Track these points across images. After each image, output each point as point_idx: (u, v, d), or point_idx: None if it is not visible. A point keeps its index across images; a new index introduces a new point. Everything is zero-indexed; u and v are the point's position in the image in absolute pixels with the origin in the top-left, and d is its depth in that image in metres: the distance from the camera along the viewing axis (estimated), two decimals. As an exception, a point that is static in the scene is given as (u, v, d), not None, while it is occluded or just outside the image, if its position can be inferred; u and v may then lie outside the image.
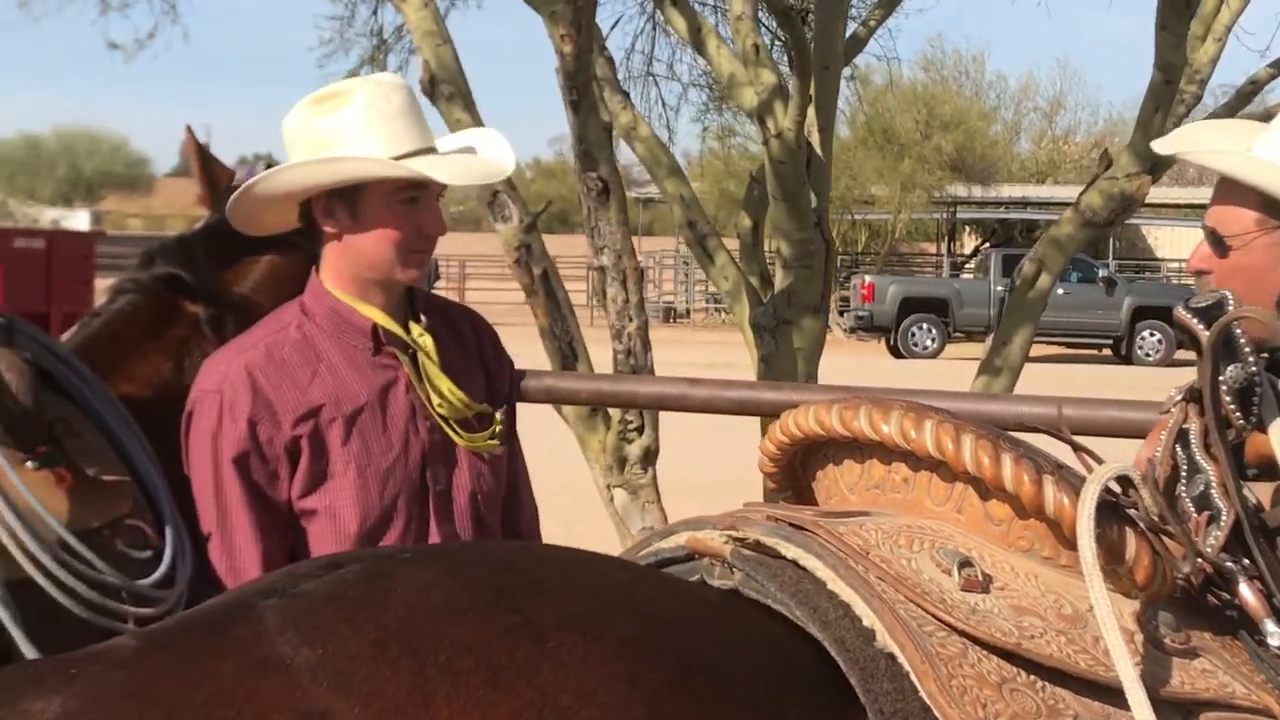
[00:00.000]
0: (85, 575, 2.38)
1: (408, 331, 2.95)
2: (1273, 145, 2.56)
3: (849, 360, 31.24)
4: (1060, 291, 34.80)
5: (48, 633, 2.29)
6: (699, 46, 6.82)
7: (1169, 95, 6.28)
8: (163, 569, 2.56)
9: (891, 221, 42.44)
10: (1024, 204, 47.48)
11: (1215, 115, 6.75)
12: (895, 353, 34.46)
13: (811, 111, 6.13)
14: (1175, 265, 46.66)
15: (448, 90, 5.62)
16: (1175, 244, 45.18)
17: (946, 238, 47.88)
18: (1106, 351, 33.03)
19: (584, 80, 5.41)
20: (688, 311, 43.09)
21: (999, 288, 34.62)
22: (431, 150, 2.95)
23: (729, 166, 32.36)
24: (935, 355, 34.24)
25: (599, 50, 6.46)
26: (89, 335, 3.11)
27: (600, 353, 5.87)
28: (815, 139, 6.30)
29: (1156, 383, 26.23)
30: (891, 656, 1.77)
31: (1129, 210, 6.53)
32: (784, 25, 6.37)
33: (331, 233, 2.91)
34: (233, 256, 3.28)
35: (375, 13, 9.85)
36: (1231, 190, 2.54)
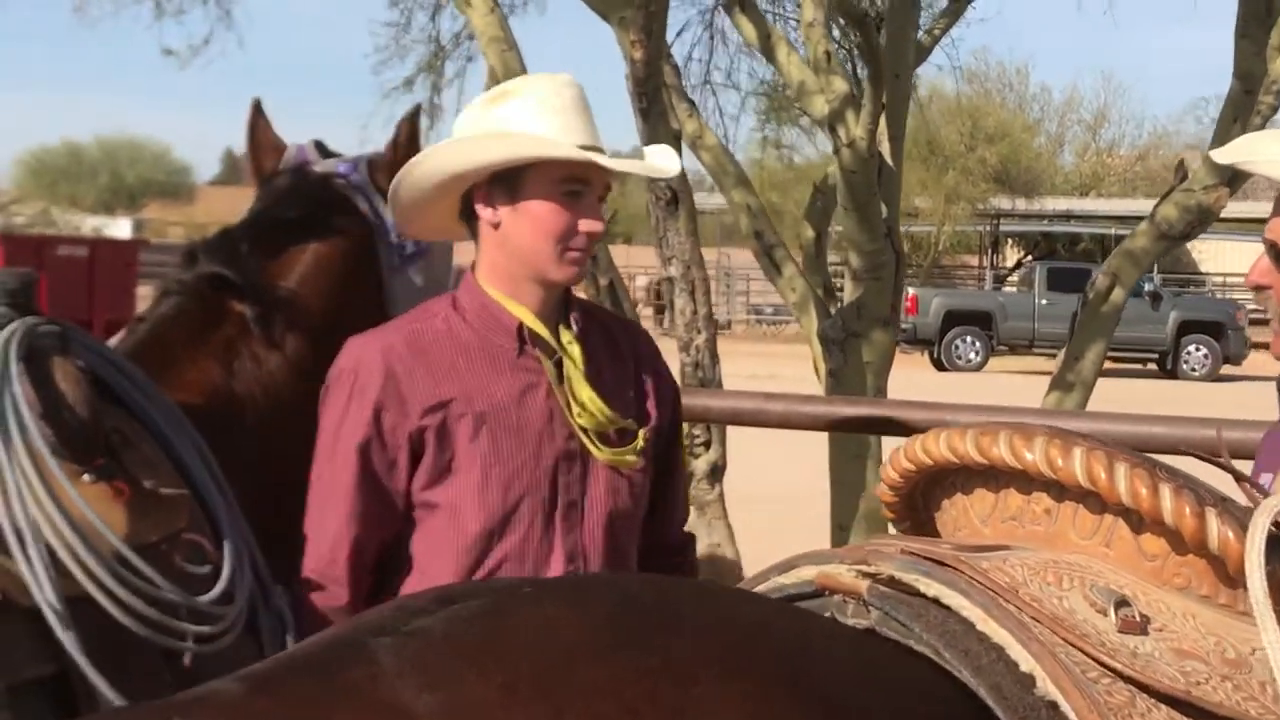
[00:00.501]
0: (144, 592, 2.30)
1: (557, 336, 2.86)
2: None
3: (892, 373, 30.96)
4: (1105, 306, 34.72)
5: (107, 650, 2.23)
6: (768, 53, 6.69)
7: (1248, 105, 6.11)
8: (222, 585, 2.47)
9: (935, 234, 42.17)
10: (1067, 217, 47.18)
11: (1298, 125, 6.58)
12: (939, 365, 34.22)
13: (882, 121, 5.98)
14: (1220, 279, 46.28)
15: (514, 97, 5.47)
16: (1221, 258, 44.74)
17: (990, 250, 47.58)
18: (1152, 366, 32.69)
19: (654, 87, 5.29)
20: (729, 323, 43.03)
21: (1043, 301, 34.44)
22: (600, 151, 2.89)
23: (772, 177, 32.17)
24: (979, 368, 34.01)
25: (665, 57, 6.33)
26: (136, 342, 3.00)
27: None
28: (885, 148, 6.16)
29: (1202, 398, 25.95)
30: (1053, 705, 1.64)
31: (1205, 223, 6.37)
32: (857, 31, 6.23)
33: (490, 223, 2.83)
34: (277, 249, 3.18)
35: (433, 18, 9.75)
36: None
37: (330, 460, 2.80)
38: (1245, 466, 1.94)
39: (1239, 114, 6.09)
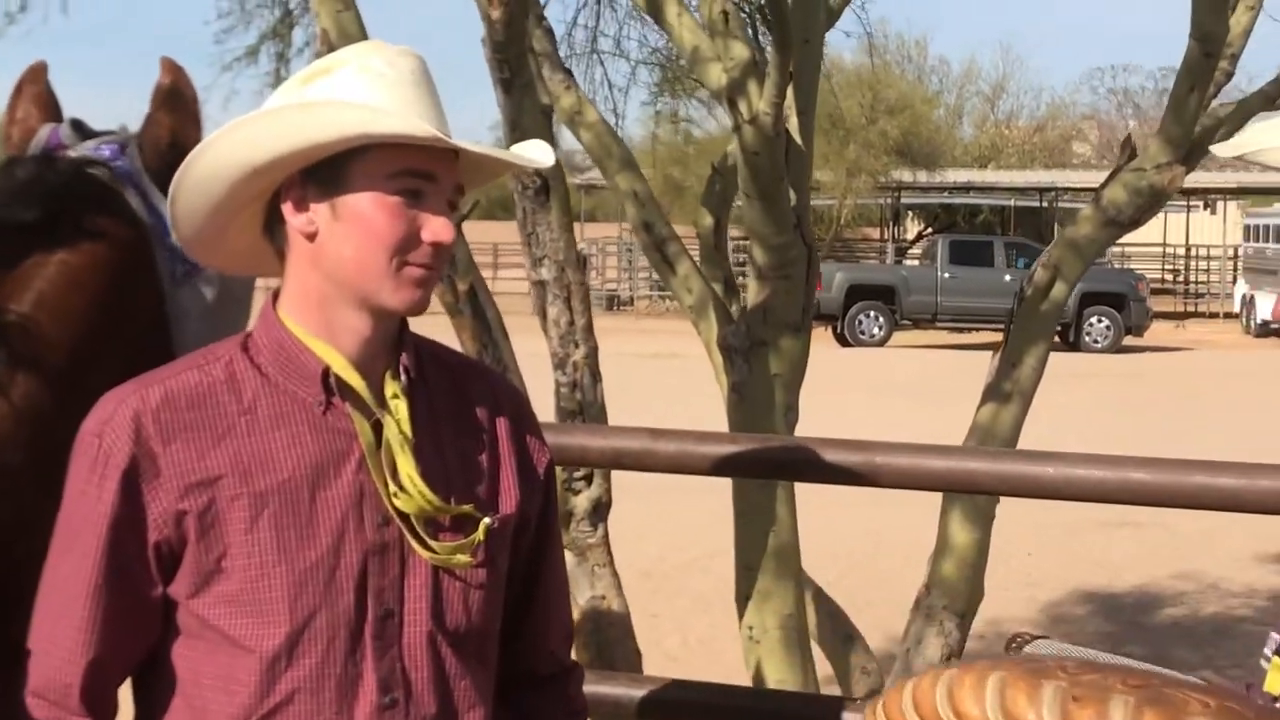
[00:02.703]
0: None
1: (381, 388, 2.16)
2: None
3: (795, 351, 30.62)
4: (1006, 278, 34.64)
5: None
6: (656, 14, 5.76)
7: (1208, 70, 5.31)
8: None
9: (837, 207, 41.79)
10: (967, 189, 47.29)
11: (1263, 94, 5.78)
12: (842, 341, 34.28)
13: (789, 92, 5.10)
14: (1120, 250, 46.38)
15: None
16: (1122, 229, 44.66)
17: (891, 223, 47.43)
18: (1054, 339, 32.38)
19: (517, 54, 4.38)
20: (631, 299, 42.82)
21: (945, 274, 34.39)
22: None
23: (672, 152, 31.45)
24: (882, 343, 34.13)
25: (537, 20, 5.42)
26: None
27: (545, 371, 4.84)
28: (794, 124, 5.28)
29: (1105, 368, 25.92)
30: None
31: (1157, 206, 5.56)
32: (760, -13, 5.35)
33: (301, 232, 2.15)
34: (5, 262, 2.47)
35: (279, -21, 8.67)
36: None
37: (66, 553, 2.14)
38: None
39: (1196, 81, 5.28)
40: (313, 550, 2.12)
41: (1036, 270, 5.66)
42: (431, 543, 2.16)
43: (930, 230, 49.07)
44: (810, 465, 3.55)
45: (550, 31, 5.72)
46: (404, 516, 2.14)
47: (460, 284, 4.67)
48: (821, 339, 34.34)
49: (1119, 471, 3.33)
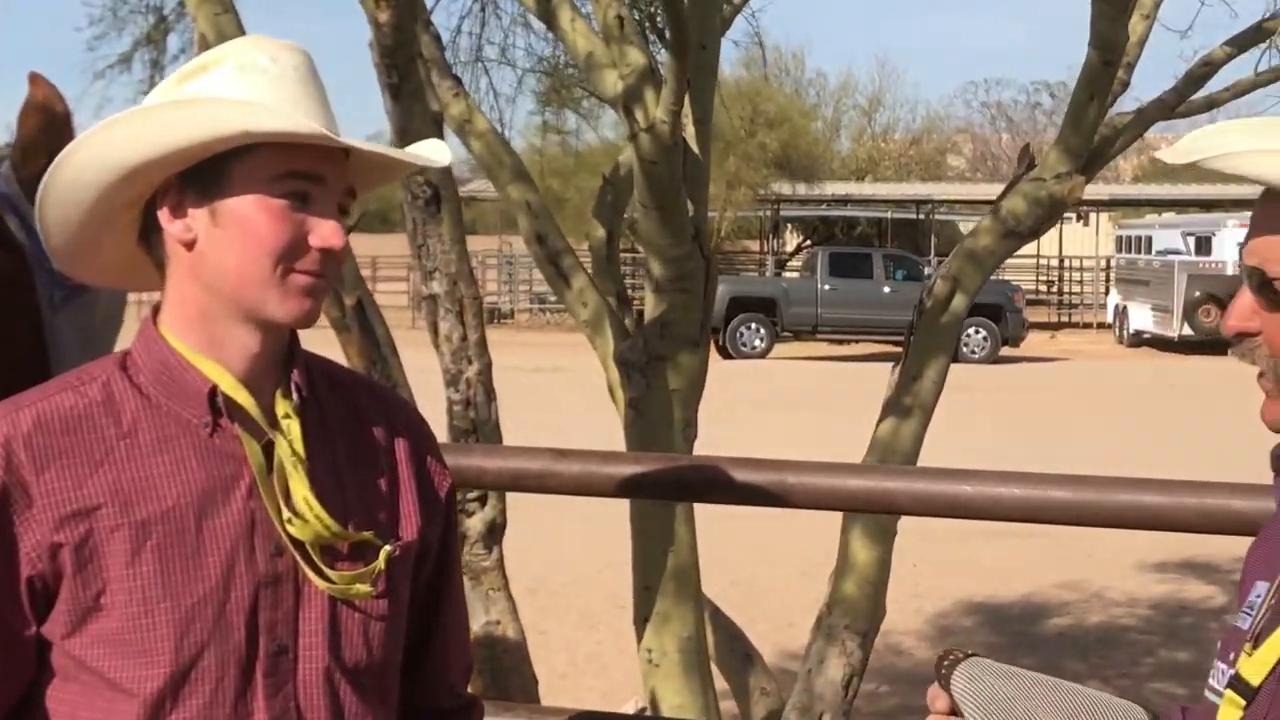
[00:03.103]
0: None
1: (271, 408, 2.01)
2: None
3: (677, 363, 30.58)
4: (886, 290, 34.97)
5: None
6: (548, 18, 5.58)
7: (1107, 79, 5.24)
8: None
9: (717, 219, 41.87)
10: (845, 201, 47.67)
11: (1161, 103, 5.74)
12: (724, 353, 34.31)
13: (685, 100, 4.96)
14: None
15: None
16: (997, 240, 45.35)
17: (771, 235, 47.70)
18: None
19: (405, 59, 4.20)
20: (512, 312, 42.72)
21: (825, 286, 34.59)
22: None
23: (552, 164, 31.24)
24: (764, 355, 34.30)
25: (424, 25, 5.23)
26: None
27: (433, 387, 4.65)
28: (691, 134, 5.14)
29: (985, 380, 26.17)
30: None
31: (1056, 216, 5.49)
32: (657, -8, 5.20)
33: (179, 240, 1.99)
34: None
35: (152, -17, 8.35)
36: None
37: None
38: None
39: (1096, 90, 5.21)
40: (200, 584, 1.96)
41: (936, 282, 5.57)
42: (329, 572, 2.01)
43: (809, 242, 49.43)
44: (720, 486, 3.41)
45: (438, 37, 5.53)
46: (299, 545, 1.99)
47: (347, 298, 4.47)
48: (703, 351, 34.43)
49: (1040, 490, 3.22)
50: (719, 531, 12.50)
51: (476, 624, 4.56)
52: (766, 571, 12.36)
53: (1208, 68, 5.54)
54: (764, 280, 39.75)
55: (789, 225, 51.70)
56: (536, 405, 19.25)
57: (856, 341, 35.21)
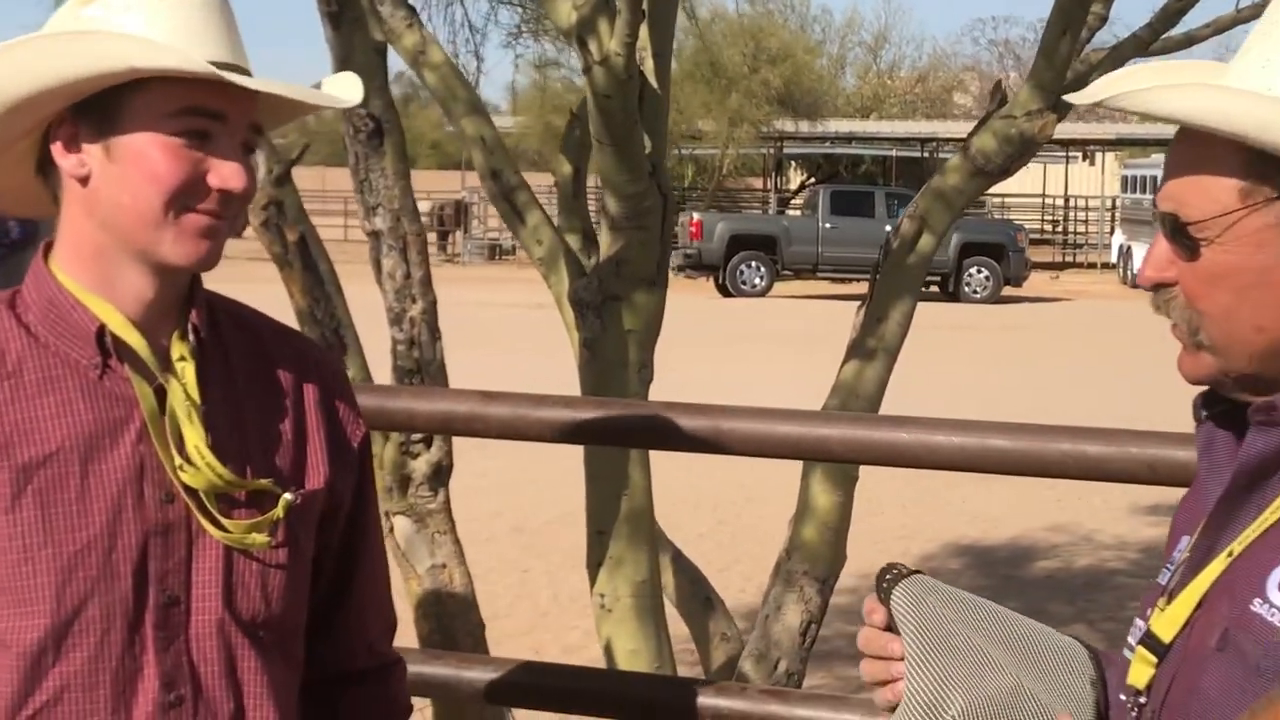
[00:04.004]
0: None
1: (165, 349, 1.94)
2: (1253, 74, 1.59)
3: (678, 300, 30.50)
4: (887, 228, 34.80)
5: None
6: (502, -53, 5.45)
7: (1081, 13, 5.10)
8: None
9: (719, 157, 41.66)
10: (849, 139, 47.48)
11: (1136, 39, 5.58)
12: (724, 291, 34.34)
13: (644, 33, 4.82)
14: (1000, 201, 46.76)
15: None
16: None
17: (773, 173, 47.48)
18: (934, 289, 32.62)
19: (346, -15, 4.06)
20: (514, 249, 42.48)
21: (827, 224, 34.49)
22: (244, 73, 1.94)
23: (552, 99, 31.04)
24: (764, 294, 34.22)
25: (375, -48, 5.08)
26: None
27: (382, 331, 4.54)
28: (649, 67, 5.00)
29: (984, 320, 26.12)
30: None
31: (1028, 155, 5.34)
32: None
33: (73, 176, 1.91)
34: None
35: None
36: (1197, 151, 1.60)
37: None
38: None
39: (1069, 24, 5.06)
40: (84, 531, 1.89)
41: (903, 221, 5.44)
42: (224, 521, 1.93)
43: (813, 180, 49.18)
44: (652, 431, 3.31)
45: (394, -34, 5.38)
46: (191, 492, 1.91)
47: (289, 234, 4.36)
48: (703, 290, 34.33)
49: (979, 438, 3.11)
50: (704, 469, 12.46)
51: (421, 567, 4.47)
52: (753, 511, 12.28)
53: (1183, 1, 5.38)
54: (764, 218, 39.61)
55: (793, 163, 51.44)
56: (535, 342, 19.14)
57: (858, 280, 35.09)
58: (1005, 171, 5.35)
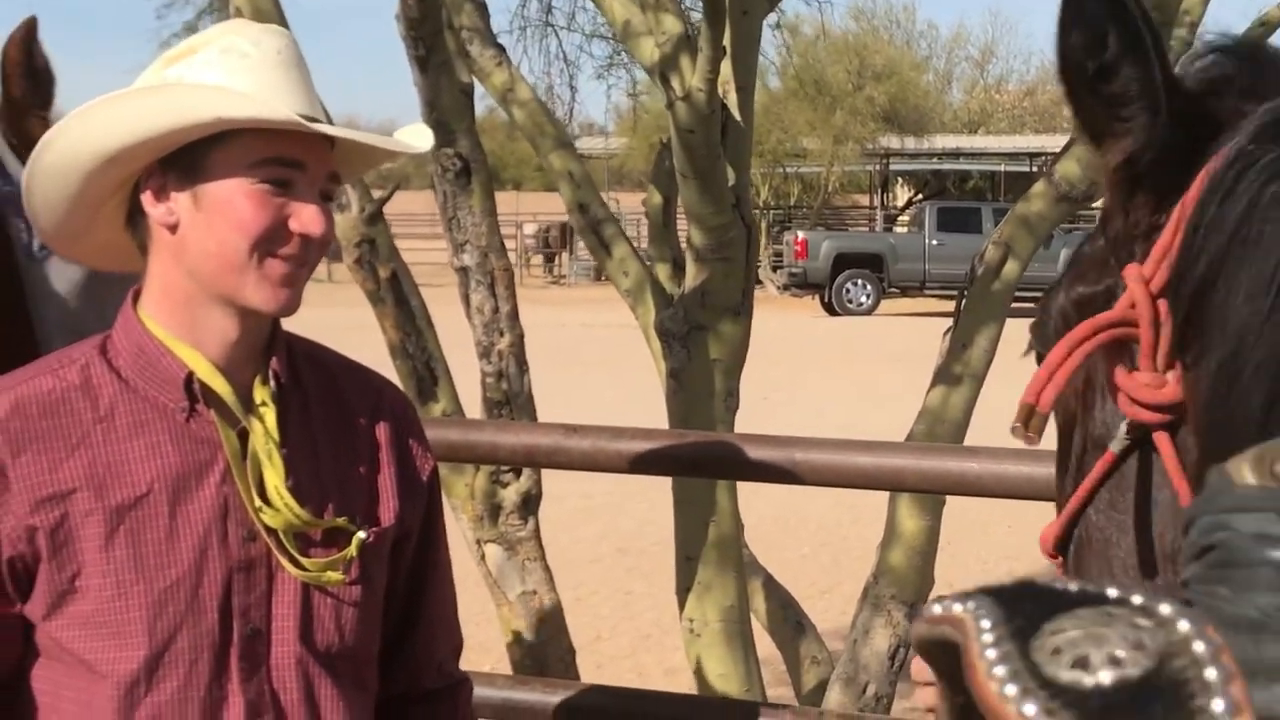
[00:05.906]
0: None
1: (249, 394, 2.05)
2: None
3: (782, 319, 30.51)
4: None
5: None
6: (586, -13, 5.58)
7: (1164, 39, 5.10)
8: None
9: (824, 175, 41.59)
10: (957, 155, 47.13)
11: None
12: (830, 310, 34.22)
13: (727, 67, 4.91)
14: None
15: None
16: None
17: (880, 190, 47.26)
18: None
19: (432, 30, 4.19)
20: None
21: (934, 241, 34.22)
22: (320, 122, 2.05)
23: (655, 118, 31.22)
24: (870, 312, 34.02)
25: (468, -7, 5.21)
26: None
27: (471, 360, 4.66)
28: (732, 100, 5.09)
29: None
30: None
31: (1112, 181, 5.33)
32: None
33: (162, 224, 2.02)
34: None
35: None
36: None
37: None
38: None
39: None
40: (173, 568, 2.01)
41: (987, 248, 5.47)
42: (301, 559, 2.05)
43: (920, 197, 48.90)
44: (729, 463, 3.41)
45: (483, 6, 5.52)
46: (271, 531, 2.03)
47: (382, 270, 4.49)
48: (809, 308, 34.25)
49: (1048, 467, 3.16)
50: (806, 489, 12.45)
51: (512, 594, 4.58)
52: (857, 532, 12.28)
53: (1264, 28, 5.36)
54: (870, 236, 39.43)
55: (899, 179, 51.17)
56: (641, 361, 19.23)
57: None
58: (1089, 197, 5.37)
